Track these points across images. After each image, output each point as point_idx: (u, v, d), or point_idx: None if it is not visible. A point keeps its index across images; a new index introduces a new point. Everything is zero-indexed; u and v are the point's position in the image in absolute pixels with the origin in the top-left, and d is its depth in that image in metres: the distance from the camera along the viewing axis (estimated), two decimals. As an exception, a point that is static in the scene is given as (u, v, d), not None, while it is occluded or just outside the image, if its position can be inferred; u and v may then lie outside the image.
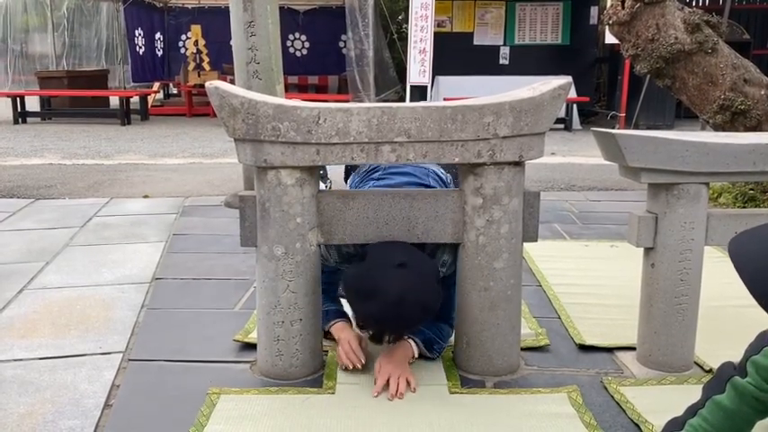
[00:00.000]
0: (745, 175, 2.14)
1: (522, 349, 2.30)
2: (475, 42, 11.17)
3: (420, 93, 9.34)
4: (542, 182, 5.51)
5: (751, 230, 1.48)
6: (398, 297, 1.86)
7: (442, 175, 2.44)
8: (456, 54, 10.55)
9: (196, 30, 11.98)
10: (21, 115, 10.42)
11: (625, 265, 3.18)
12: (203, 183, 5.55)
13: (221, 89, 1.93)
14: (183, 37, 13.23)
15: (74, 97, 10.98)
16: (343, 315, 2.32)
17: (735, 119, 4.11)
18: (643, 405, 1.96)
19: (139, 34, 12.50)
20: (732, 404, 1.47)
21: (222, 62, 11.62)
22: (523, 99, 1.98)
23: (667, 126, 9.63)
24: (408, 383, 2.05)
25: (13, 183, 5.44)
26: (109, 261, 3.37)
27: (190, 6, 13.54)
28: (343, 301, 2.34)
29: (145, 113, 11.02)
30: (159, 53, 13.44)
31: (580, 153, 7.51)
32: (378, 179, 2.39)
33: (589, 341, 2.42)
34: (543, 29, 11.20)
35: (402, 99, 10.78)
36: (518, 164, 2.04)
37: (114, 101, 11.58)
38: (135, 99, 11.20)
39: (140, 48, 12.55)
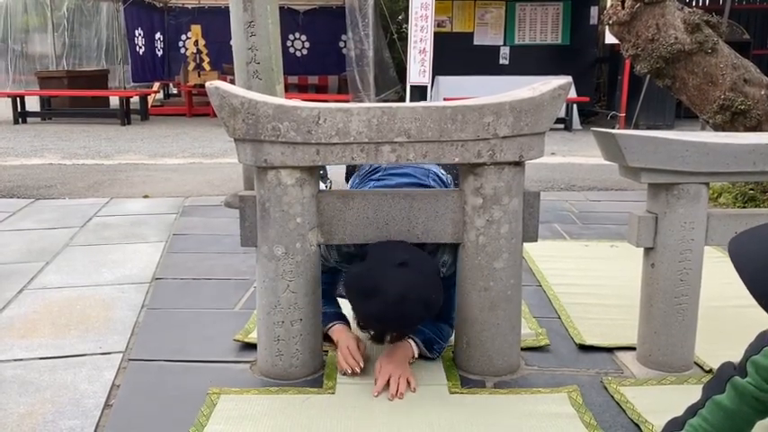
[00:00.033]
0: (745, 175, 2.14)
1: (522, 349, 2.30)
2: (475, 42, 11.17)
3: (420, 93, 9.34)
4: (542, 182, 5.51)
5: (751, 230, 1.48)
6: (400, 295, 1.85)
7: (442, 176, 2.44)
8: (456, 54, 10.55)
9: (196, 30, 11.99)
10: (21, 115, 10.42)
11: (625, 265, 3.18)
12: (203, 183, 5.55)
13: (221, 89, 1.93)
14: (183, 37, 13.24)
15: (74, 97, 10.98)
16: (342, 317, 2.31)
17: (735, 119, 4.11)
18: (643, 405, 1.96)
19: (139, 34, 12.51)
20: (732, 404, 1.47)
21: (222, 62, 11.62)
22: (523, 99, 1.98)
23: (667, 126, 9.63)
24: (409, 383, 2.05)
25: (13, 183, 5.44)
26: (109, 261, 3.37)
27: (190, 6, 13.54)
28: (343, 302, 2.34)
29: (145, 113, 11.02)
30: (159, 53, 13.44)
31: (580, 153, 7.51)
32: (378, 180, 2.39)
33: (589, 341, 2.42)
34: (543, 29, 11.20)
35: (402, 99, 10.78)
36: (518, 164, 2.04)
37: (114, 101, 11.59)
38: (135, 99, 11.21)
39: (140, 48, 12.55)
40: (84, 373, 2.19)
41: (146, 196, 4.98)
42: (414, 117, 1.95)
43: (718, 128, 4.20)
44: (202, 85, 7.18)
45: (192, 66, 11.78)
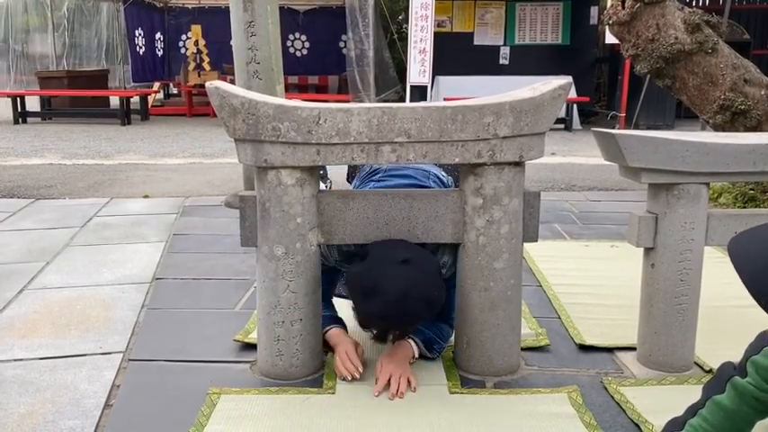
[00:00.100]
0: (745, 176, 2.14)
1: (523, 349, 2.30)
2: (475, 42, 11.17)
3: (420, 93, 9.34)
4: (542, 182, 5.51)
5: (751, 230, 1.48)
6: (403, 293, 1.85)
7: (443, 178, 2.44)
8: (456, 54, 10.55)
9: (196, 30, 11.99)
10: (21, 115, 10.42)
11: (625, 266, 3.18)
12: (203, 183, 5.55)
13: (222, 89, 1.94)
14: (184, 37, 13.24)
15: (74, 97, 10.98)
16: (338, 321, 2.30)
17: (735, 119, 4.11)
18: (643, 405, 1.96)
19: (140, 34, 12.50)
20: (732, 404, 1.47)
21: (222, 62, 11.63)
22: (523, 99, 1.98)
23: (667, 126, 9.64)
24: (409, 383, 2.05)
25: (14, 183, 5.44)
26: (109, 261, 3.37)
27: (190, 6, 13.54)
28: (343, 302, 2.34)
29: (145, 113, 11.02)
30: (159, 53, 13.44)
31: (580, 153, 7.51)
32: (378, 181, 2.39)
33: (589, 341, 2.42)
34: (543, 29, 11.20)
35: (402, 99, 10.78)
36: (518, 164, 2.04)
37: (114, 101, 11.59)
38: (135, 99, 11.21)
39: (140, 48, 12.55)
40: (85, 373, 2.19)
41: (146, 196, 4.98)
42: (414, 117, 1.95)
43: (718, 128, 4.20)
44: (202, 85, 7.17)
45: (192, 66, 11.78)
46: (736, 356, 1.53)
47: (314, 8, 13.29)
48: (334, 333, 2.24)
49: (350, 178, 2.72)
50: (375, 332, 2.06)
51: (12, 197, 4.93)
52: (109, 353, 2.34)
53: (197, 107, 11.59)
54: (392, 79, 12.18)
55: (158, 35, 13.36)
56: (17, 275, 3.12)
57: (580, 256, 3.47)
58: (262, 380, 2.14)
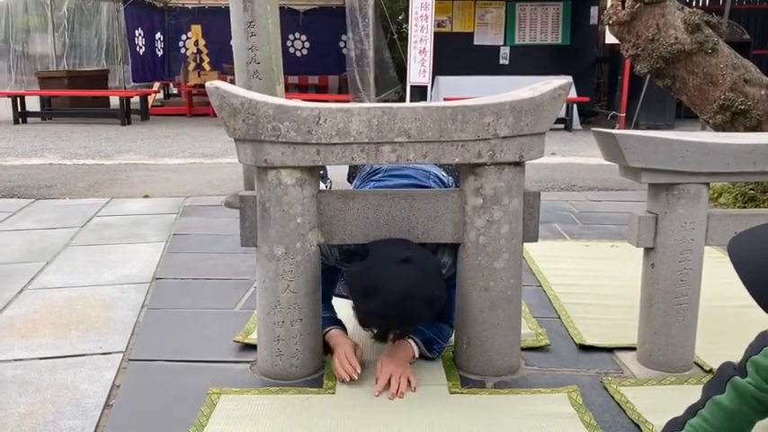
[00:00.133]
0: (745, 176, 2.14)
1: (523, 349, 2.30)
2: (475, 42, 11.17)
3: (420, 93, 9.34)
4: (542, 182, 5.52)
5: (751, 230, 1.48)
6: (404, 292, 1.85)
7: (443, 178, 2.43)
8: (456, 54, 10.55)
9: (196, 30, 11.99)
10: (21, 115, 10.42)
11: (625, 266, 3.18)
12: (203, 183, 5.55)
13: (222, 89, 1.94)
14: (184, 37, 13.24)
15: (74, 97, 10.99)
16: (338, 322, 2.29)
17: (735, 119, 4.11)
18: (643, 405, 1.96)
19: (140, 34, 12.51)
20: (732, 404, 1.47)
21: (222, 62, 11.63)
22: (523, 99, 1.98)
23: (667, 126, 9.64)
24: (409, 383, 2.05)
25: (14, 183, 5.44)
26: (109, 261, 3.37)
27: (190, 6, 13.54)
28: (343, 302, 2.34)
29: (145, 113, 11.02)
30: (159, 53, 13.45)
31: (580, 153, 7.51)
32: (378, 181, 2.39)
33: (589, 341, 2.42)
34: (543, 29, 11.20)
35: (402, 99, 10.78)
36: (518, 164, 2.04)
37: (114, 101, 11.59)
38: (135, 99, 11.21)
39: (140, 48, 12.55)
40: (85, 373, 2.19)
41: (146, 196, 4.98)
42: (414, 117, 1.95)
43: (718, 128, 4.20)
44: (202, 85, 7.17)
45: (192, 66, 11.78)
46: (736, 356, 1.53)
47: (314, 8, 13.30)
48: (333, 334, 2.23)
49: (350, 178, 2.71)
50: (375, 331, 2.06)
51: (12, 197, 4.94)
52: (109, 353, 2.34)
53: (197, 107, 11.60)
54: (392, 79, 12.18)
55: (158, 35, 13.37)
56: (17, 275, 3.12)
57: (580, 256, 3.47)
58: (262, 380, 2.14)
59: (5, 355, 2.31)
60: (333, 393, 2.05)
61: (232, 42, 4.11)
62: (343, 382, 2.10)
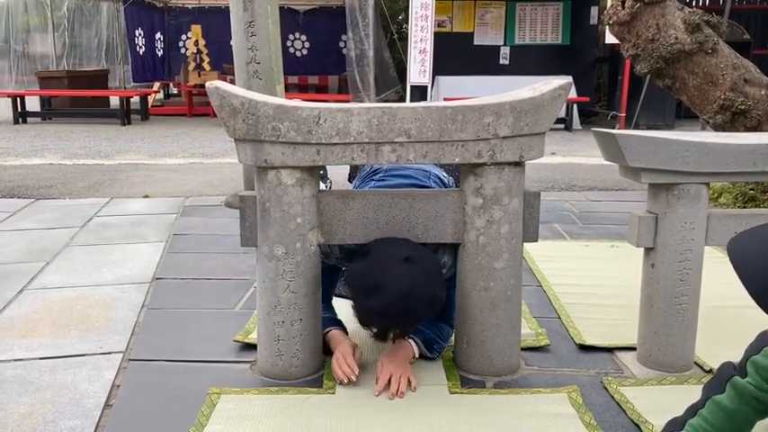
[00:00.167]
0: (745, 176, 2.14)
1: (523, 349, 2.30)
2: (475, 42, 11.17)
3: (420, 93, 9.34)
4: (542, 182, 5.52)
5: (750, 230, 1.48)
6: (405, 291, 1.85)
7: (443, 178, 2.43)
8: (456, 54, 10.55)
9: (196, 30, 11.99)
10: (21, 115, 10.42)
11: (625, 266, 3.18)
12: (203, 183, 5.55)
13: (222, 89, 1.94)
14: (184, 37, 13.24)
15: (74, 97, 10.99)
16: (338, 323, 2.29)
17: (735, 119, 4.11)
18: (643, 405, 1.96)
19: (140, 34, 12.51)
20: (732, 404, 1.47)
21: (222, 62, 11.63)
22: (523, 99, 1.98)
23: (667, 126, 9.64)
24: (409, 383, 2.05)
25: (14, 183, 5.44)
26: (109, 261, 3.37)
27: (190, 6, 13.54)
28: (343, 302, 2.34)
29: (145, 113, 11.03)
30: (159, 53, 13.45)
31: (580, 153, 7.51)
32: (378, 180, 2.39)
33: (589, 341, 2.42)
34: (543, 29, 11.20)
35: (402, 99, 10.78)
36: (518, 164, 2.04)
37: (114, 101, 11.59)
38: (135, 99, 11.21)
39: (140, 48, 12.55)
40: (85, 373, 2.19)
41: (146, 196, 4.98)
42: (414, 117, 1.95)
43: (718, 128, 4.20)
44: (202, 85, 7.18)
45: (192, 66, 11.78)
46: (736, 356, 1.53)
47: (314, 8, 13.30)
48: (333, 335, 2.23)
49: (351, 178, 2.71)
50: (375, 330, 2.05)
51: (12, 197, 4.94)
52: (109, 353, 2.34)
53: (197, 107, 11.60)
54: (392, 79, 12.18)
55: (158, 35, 13.37)
56: (17, 275, 3.12)
57: (580, 256, 3.47)
58: (262, 380, 2.14)
59: (5, 355, 2.31)
60: (333, 393, 2.05)
61: (232, 42, 4.11)
62: (341, 383, 2.09)
